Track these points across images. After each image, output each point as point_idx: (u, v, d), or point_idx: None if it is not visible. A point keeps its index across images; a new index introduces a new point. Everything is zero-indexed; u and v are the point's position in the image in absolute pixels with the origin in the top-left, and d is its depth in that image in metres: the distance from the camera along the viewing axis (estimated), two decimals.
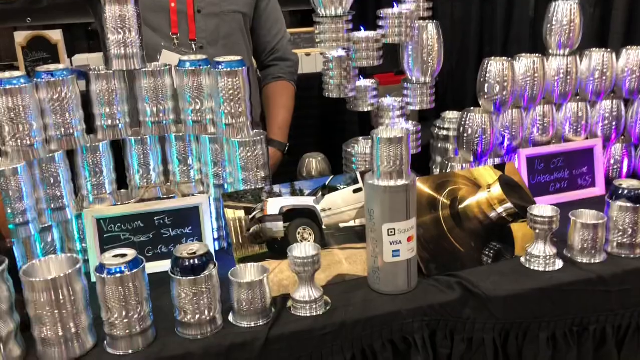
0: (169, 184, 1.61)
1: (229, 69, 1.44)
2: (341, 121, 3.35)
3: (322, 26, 1.51)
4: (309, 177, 1.87)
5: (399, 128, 1.57)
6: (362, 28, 1.60)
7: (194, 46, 2.01)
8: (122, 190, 1.58)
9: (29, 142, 1.34)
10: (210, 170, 1.55)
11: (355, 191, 1.52)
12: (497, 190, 1.56)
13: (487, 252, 1.48)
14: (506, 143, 1.74)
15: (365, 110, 1.70)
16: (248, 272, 1.28)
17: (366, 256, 1.37)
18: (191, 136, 1.56)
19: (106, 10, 1.41)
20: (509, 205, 1.54)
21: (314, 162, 1.89)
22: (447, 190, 1.53)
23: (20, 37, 3.33)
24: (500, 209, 1.54)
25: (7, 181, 1.30)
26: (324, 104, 2.87)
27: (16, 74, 1.33)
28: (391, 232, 1.29)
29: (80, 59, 3.66)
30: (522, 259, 1.46)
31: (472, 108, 1.70)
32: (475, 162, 1.70)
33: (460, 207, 1.52)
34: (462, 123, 1.69)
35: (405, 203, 1.28)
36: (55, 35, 3.32)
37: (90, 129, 1.48)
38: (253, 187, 1.50)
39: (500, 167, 1.63)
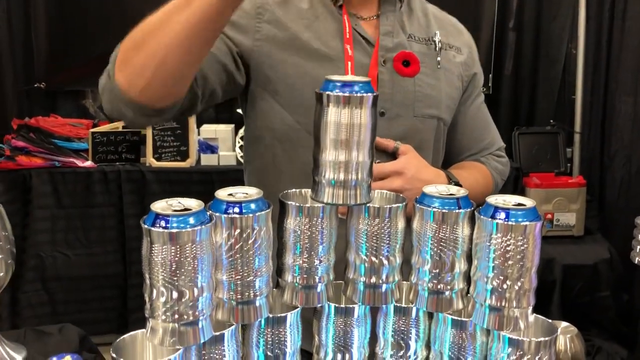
0: None
1: (513, 222, 0.88)
2: None
3: None
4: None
5: None
6: None
7: None
8: None
9: (191, 317, 0.82)
10: None
11: None
12: None
13: None
14: None
15: None
16: None
17: None
18: (420, 311, 1.00)
19: (329, 112, 0.91)
20: None
21: (561, 340, 1.28)
22: None
23: None
24: None
25: None
26: None
27: (194, 205, 0.83)
28: None
29: (208, 130, 3.54)
30: None
31: None
32: None
33: None
34: None
35: None
36: None
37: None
38: None
39: None
